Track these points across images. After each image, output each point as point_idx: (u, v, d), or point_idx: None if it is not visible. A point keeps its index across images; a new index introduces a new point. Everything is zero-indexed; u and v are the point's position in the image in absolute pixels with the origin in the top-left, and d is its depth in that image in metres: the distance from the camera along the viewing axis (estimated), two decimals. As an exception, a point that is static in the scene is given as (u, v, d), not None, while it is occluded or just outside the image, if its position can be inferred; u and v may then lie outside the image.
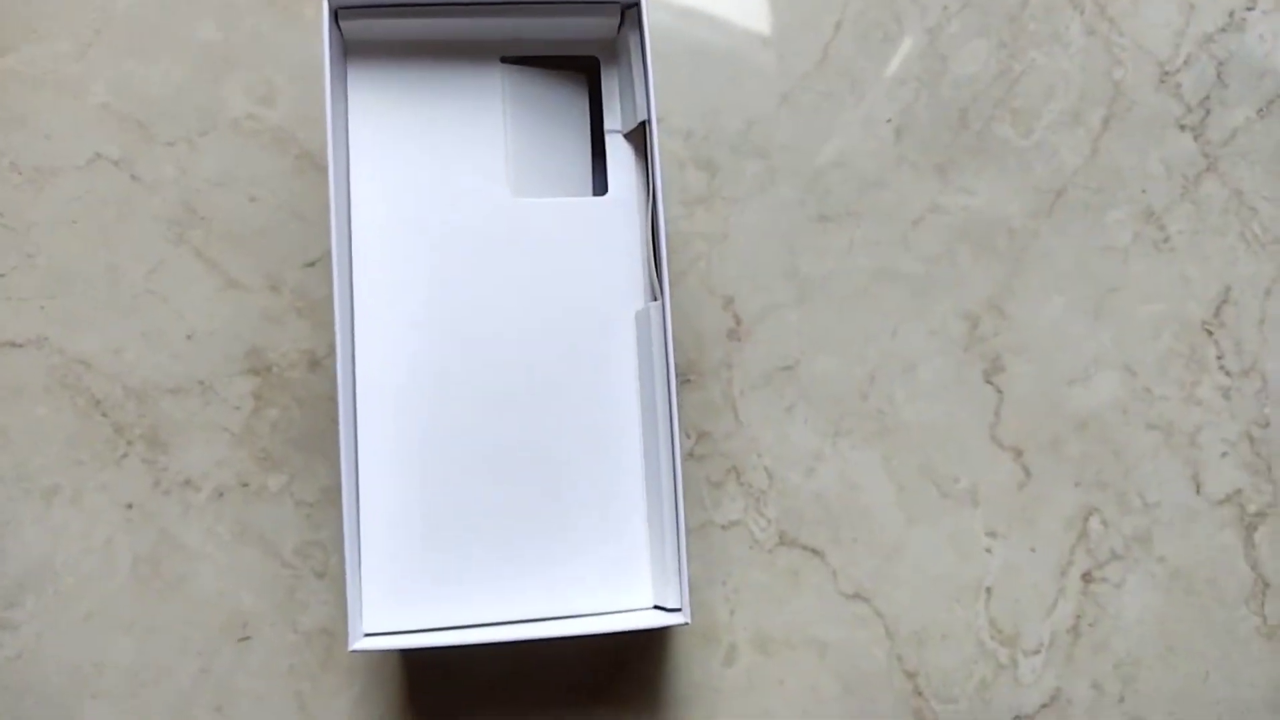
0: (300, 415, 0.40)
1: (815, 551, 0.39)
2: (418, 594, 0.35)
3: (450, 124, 0.37)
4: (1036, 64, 0.42)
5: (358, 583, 0.34)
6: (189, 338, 0.40)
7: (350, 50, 0.36)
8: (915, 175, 0.42)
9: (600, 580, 0.35)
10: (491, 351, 0.36)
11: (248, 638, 0.40)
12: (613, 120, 0.37)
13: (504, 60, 0.37)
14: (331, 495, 0.40)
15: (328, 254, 0.40)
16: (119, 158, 0.41)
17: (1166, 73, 0.43)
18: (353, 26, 0.35)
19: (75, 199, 0.41)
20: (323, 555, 0.40)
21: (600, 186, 0.38)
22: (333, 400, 0.40)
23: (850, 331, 0.41)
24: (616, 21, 0.36)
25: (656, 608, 0.35)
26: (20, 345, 0.40)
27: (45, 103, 0.41)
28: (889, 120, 0.42)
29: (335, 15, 0.35)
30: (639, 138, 0.37)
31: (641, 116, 0.35)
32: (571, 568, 0.35)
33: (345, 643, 0.40)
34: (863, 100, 0.42)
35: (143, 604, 0.40)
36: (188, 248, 0.40)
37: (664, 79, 0.41)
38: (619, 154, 0.37)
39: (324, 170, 0.40)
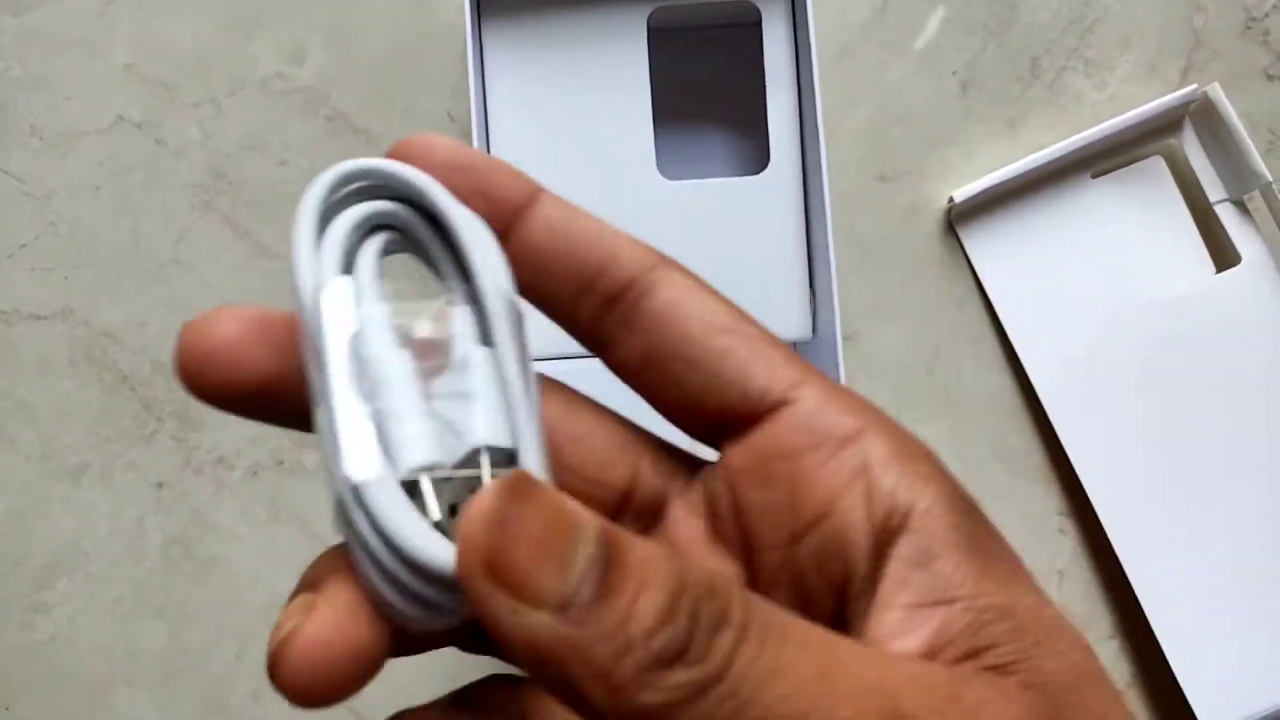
0: (336, 389, 0.38)
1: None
2: None
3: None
4: (1112, 11, 0.40)
5: None
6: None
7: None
8: (984, 130, 0.39)
9: None
10: None
11: (285, 621, 0.38)
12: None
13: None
14: (369, 473, 0.38)
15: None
16: (142, 120, 0.39)
17: (1253, 19, 0.40)
18: None
19: (98, 164, 0.39)
20: (361, 535, 0.38)
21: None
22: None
23: (914, 300, 0.39)
24: None
25: None
26: (44, 318, 0.39)
27: (67, 64, 0.39)
28: (954, 72, 0.39)
29: None
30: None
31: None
32: None
33: (385, 626, 0.38)
34: (926, 51, 0.39)
35: (175, 586, 0.38)
36: (215, 214, 0.39)
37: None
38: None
39: (360, 133, 0.38)
